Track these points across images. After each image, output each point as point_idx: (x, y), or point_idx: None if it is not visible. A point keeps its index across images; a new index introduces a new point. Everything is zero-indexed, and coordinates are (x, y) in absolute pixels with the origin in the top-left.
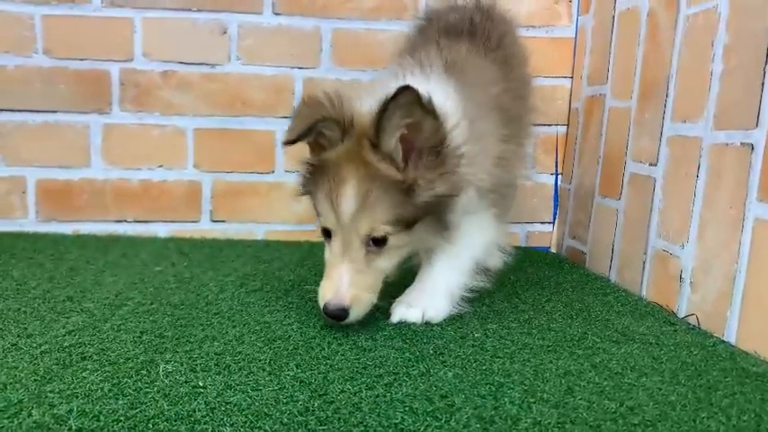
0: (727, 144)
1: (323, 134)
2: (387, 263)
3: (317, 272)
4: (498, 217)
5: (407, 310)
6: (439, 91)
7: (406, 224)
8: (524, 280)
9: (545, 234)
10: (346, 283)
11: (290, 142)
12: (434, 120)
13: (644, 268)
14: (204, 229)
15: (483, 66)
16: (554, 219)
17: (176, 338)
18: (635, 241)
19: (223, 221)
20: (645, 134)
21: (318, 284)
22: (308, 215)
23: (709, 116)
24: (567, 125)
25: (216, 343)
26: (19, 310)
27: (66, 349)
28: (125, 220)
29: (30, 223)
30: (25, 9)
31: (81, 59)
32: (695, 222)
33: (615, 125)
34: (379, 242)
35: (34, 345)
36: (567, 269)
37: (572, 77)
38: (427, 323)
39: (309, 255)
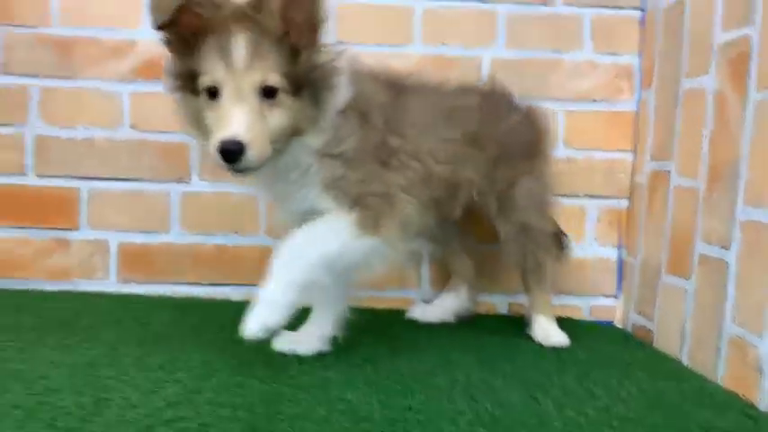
0: None
1: (194, 11)
2: (278, 120)
3: (394, 344)
4: (363, 226)
5: (248, 323)
6: None
7: (294, 85)
8: (594, 359)
9: (609, 308)
10: (242, 122)
11: (166, 24)
12: None
13: (719, 354)
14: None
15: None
16: (618, 293)
17: (269, 416)
18: (708, 325)
19: None
20: (715, 216)
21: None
22: (385, 280)
23: None
24: (630, 199)
25: (307, 423)
26: (117, 378)
27: (170, 423)
28: (200, 283)
29: (110, 284)
30: (115, 87)
31: (163, 132)
32: None
33: (682, 203)
34: (270, 93)
35: (139, 416)
36: (634, 347)
37: (634, 151)
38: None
39: (385, 323)
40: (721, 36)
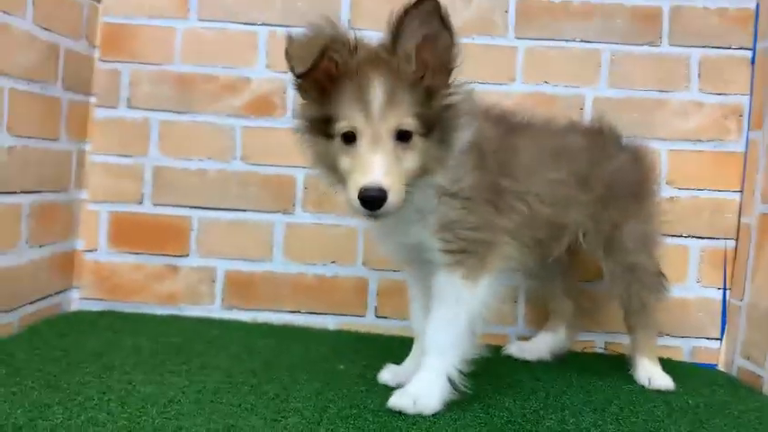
0: None
1: (331, 58)
2: (411, 163)
3: (498, 382)
4: (469, 279)
5: (400, 398)
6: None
7: (426, 126)
8: (703, 405)
9: (711, 350)
10: (382, 168)
11: (307, 71)
12: (450, 35)
13: None
14: (369, 323)
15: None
16: (722, 335)
17: None
18: None
19: (386, 317)
20: None
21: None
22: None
23: None
24: (737, 240)
25: None
26: (240, 406)
27: None
28: (299, 311)
29: (215, 309)
30: (228, 121)
31: (271, 165)
32: None
33: None
34: (405, 137)
35: None
36: (744, 394)
37: (741, 192)
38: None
39: (483, 358)
40: None
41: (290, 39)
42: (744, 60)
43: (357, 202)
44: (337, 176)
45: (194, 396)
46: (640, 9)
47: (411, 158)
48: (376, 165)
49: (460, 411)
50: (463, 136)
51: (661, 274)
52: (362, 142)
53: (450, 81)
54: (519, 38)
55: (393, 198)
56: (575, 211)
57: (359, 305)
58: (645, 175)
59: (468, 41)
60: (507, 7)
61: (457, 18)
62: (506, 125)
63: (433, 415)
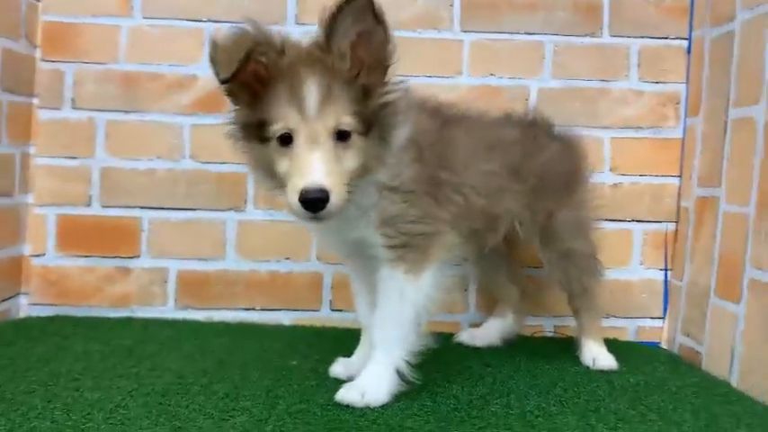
0: None
1: (258, 60)
2: (352, 162)
3: (448, 370)
4: (412, 273)
5: (348, 391)
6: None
7: (365, 124)
8: (644, 383)
9: (655, 329)
10: (322, 169)
11: (232, 76)
12: (384, 31)
13: None
14: (324, 317)
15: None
16: (664, 314)
17: None
18: (759, 349)
19: (341, 311)
20: (765, 242)
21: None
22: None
23: None
24: (677, 222)
25: None
26: (188, 407)
27: None
28: (253, 309)
29: (169, 310)
30: (176, 120)
31: (221, 163)
32: None
33: (731, 229)
34: (343, 136)
35: None
36: (683, 370)
37: (680, 176)
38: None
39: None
40: None
41: (213, 44)
42: (680, 50)
43: (298, 206)
44: (277, 181)
45: (142, 399)
46: (581, 1)
47: (351, 158)
48: (315, 166)
49: (408, 401)
50: (402, 133)
51: (596, 258)
52: (300, 143)
53: (386, 78)
54: (465, 31)
55: (335, 199)
56: (509, 201)
57: (314, 300)
58: (576, 163)
59: (413, 36)
60: (452, 1)
61: (403, 12)
62: (442, 118)
63: (381, 407)
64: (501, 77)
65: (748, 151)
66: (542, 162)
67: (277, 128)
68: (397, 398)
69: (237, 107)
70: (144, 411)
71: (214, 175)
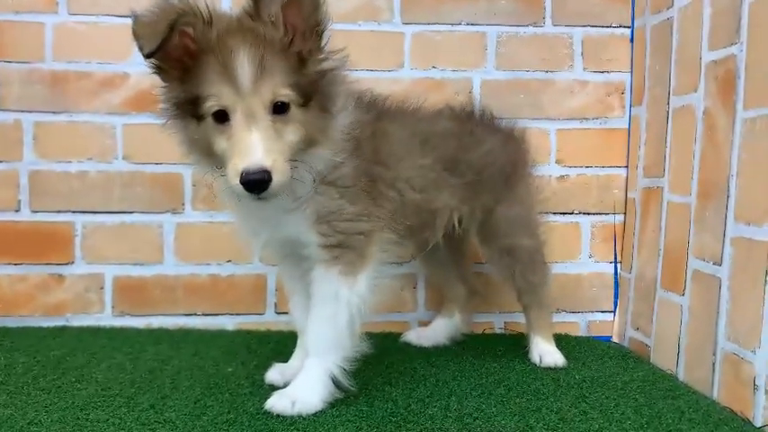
0: None
1: (184, 32)
2: (293, 135)
3: (390, 372)
4: (348, 275)
5: (278, 400)
6: None
7: (303, 95)
8: (590, 379)
9: (606, 323)
10: (262, 148)
11: (155, 51)
12: None
13: (714, 370)
14: (269, 321)
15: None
16: (615, 308)
17: None
18: (702, 340)
19: (286, 314)
20: (707, 232)
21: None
22: (380, 304)
23: None
24: (625, 214)
25: None
26: (107, 421)
27: None
28: (195, 314)
29: (106, 318)
30: (108, 119)
31: (156, 163)
32: (767, 328)
33: (674, 219)
34: (282, 109)
35: None
36: (632, 365)
37: (627, 167)
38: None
39: (381, 349)
40: (708, 54)
41: (135, 18)
42: (623, 38)
43: (240, 188)
44: (214, 160)
45: (58, 414)
46: None
47: (291, 132)
48: (254, 144)
49: (344, 407)
50: (343, 104)
51: (542, 254)
52: (236, 120)
53: (321, 44)
54: (406, 23)
55: (278, 178)
56: (445, 196)
57: (258, 303)
58: (517, 156)
59: (354, 28)
60: None
61: (342, 4)
62: (376, 111)
63: (313, 414)
64: (444, 70)
65: (689, 140)
66: (480, 155)
67: (211, 105)
68: (332, 404)
69: (167, 84)
70: (59, 427)
71: (149, 176)
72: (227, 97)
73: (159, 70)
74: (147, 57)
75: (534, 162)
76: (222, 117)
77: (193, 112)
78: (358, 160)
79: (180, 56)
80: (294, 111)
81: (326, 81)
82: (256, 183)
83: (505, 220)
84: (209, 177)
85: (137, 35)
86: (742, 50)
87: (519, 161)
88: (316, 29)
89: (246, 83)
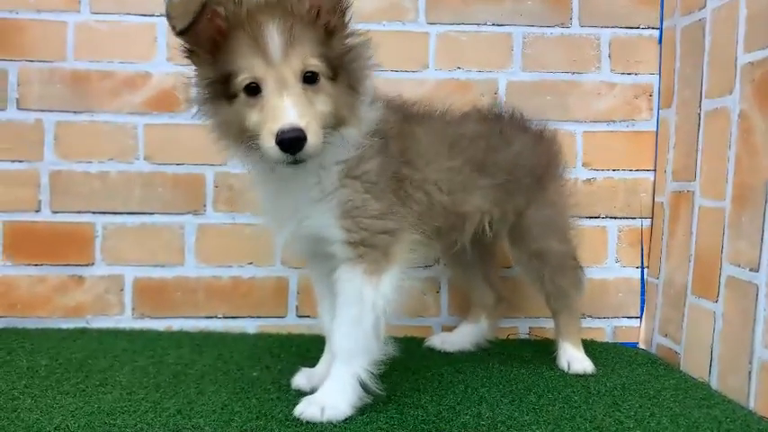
0: None
1: (215, 12)
2: (323, 105)
3: (417, 378)
4: (372, 274)
5: (307, 406)
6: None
7: (332, 68)
8: (621, 386)
9: (632, 329)
10: (295, 110)
11: (186, 29)
12: None
13: (750, 378)
14: (290, 324)
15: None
16: (641, 314)
17: None
18: (738, 348)
19: (308, 317)
20: (742, 238)
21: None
22: (408, 309)
23: None
24: (652, 218)
25: None
26: (135, 426)
27: None
28: (216, 316)
29: (126, 320)
30: (129, 119)
31: (177, 164)
32: None
33: (707, 224)
34: (312, 79)
35: None
36: (661, 372)
37: (655, 170)
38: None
39: (406, 354)
40: (744, 56)
41: None
42: (652, 40)
43: (275, 149)
44: (248, 139)
45: (85, 420)
46: None
47: (322, 101)
48: (288, 108)
49: (374, 413)
50: (369, 85)
51: (574, 259)
52: (269, 90)
53: (346, 21)
54: (430, 23)
55: (312, 139)
56: (476, 198)
57: (279, 306)
58: (548, 158)
59: (378, 28)
60: None
61: (366, 4)
62: (404, 113)
63: (344, 421)
64: (469, 71)
65: (722, 143)
66: (510, 156)
67: (243, 78)
68: (362, 410)
69: (199, 67)
70: None
71: (171, 177)
72: (259, 69)
73: (190, 53)
74: (179, 34)
75: (566, 164)
76: (254, 90)
77: (225, 91)
78: (385, 158)
79: (211, 35)
80: (324, 82)
81: (351, 57)
82: (292, 141)
83: (536, 222)
84: (230, 178)
85: (169, 14)
86: None
87: (550, 162)
88: (339, 4)
89: (277, 53)
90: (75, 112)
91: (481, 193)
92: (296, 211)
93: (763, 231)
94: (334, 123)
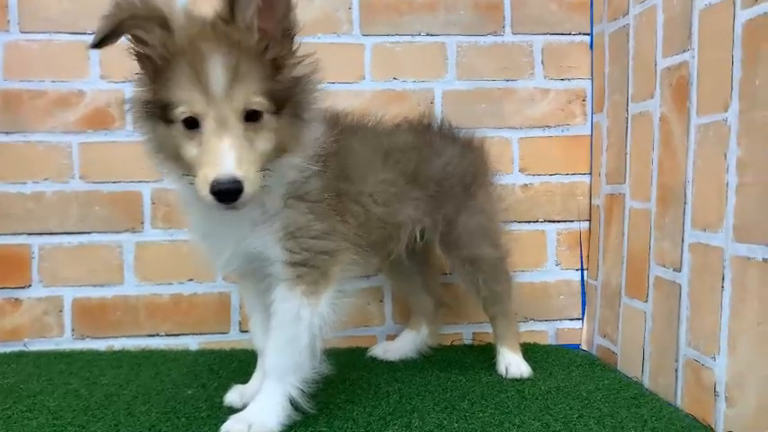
0: (749, 258)
1: (140, 38)
2: (265, 144)
3: (353, 389)
4: (311, 295)
5: (234, 424)
6: None
7: (276, 103)
8: (555, 389)
9: (574, 331)
10: (233, 157)
11: (96, 45)
12: None
13: (677, 376)
14: (234, 339)
15: None
16: (582, 316)
17: None
18: (665, 347)
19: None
20: (666, 238)
21: None
22: (352, 320)
23: (729, 227)
24: (590, 221)
25: None
26: None
27: None
28: (157, 334)
29: (66, 341)
30: (63, 138)
31: (114, 182)
32: (725, 334)
33: (636, 226)
34: (255, 117)
35: None
36: (598, 373)
37: (590, 174)
38: None
39: (346, 365)
40: (663, 61)
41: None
42: (583, 45)
43: (210, 198)
44: (183, 165)
45: None
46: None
47: (264, 140)
48: (226, 153)
49: (302, 428)
50: (315, 111)
51: (504, 262)
52: (207, 128)
53: (294, 50)
54: (365, 35)
55: (249, 188)
56: (408, 208)
57: (222, 322)
58: (476, 166)
59: (313, 40)
60: (351, 4)
61: (301, 16)
62: (340, 127)
63: None
64: (405, 81)
65: (647, 146)
66: (440, 166)
67: (181, 111)
68: (291, 426)
69: (139, 81)
70: None
71: (107, 196)
72: (199, 104)
73: (137, 56)
74: (90, 47)
75: (495, 171)
76: (192, 124)
77: (163, 114)
78: (326, 175)
79: (149, 58)
80: (266, 118)
81: (300, 88)
82: (227, 193)
83: (467, 230)
84: (168, 194)
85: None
86: (694, 57)
87: (479, 170)
88: (288, 33)
89: (219, 90)
90: (6, 132)
91: (414, 203)
92: (235, 233)
93: (683, 231)
94: (277, 153)
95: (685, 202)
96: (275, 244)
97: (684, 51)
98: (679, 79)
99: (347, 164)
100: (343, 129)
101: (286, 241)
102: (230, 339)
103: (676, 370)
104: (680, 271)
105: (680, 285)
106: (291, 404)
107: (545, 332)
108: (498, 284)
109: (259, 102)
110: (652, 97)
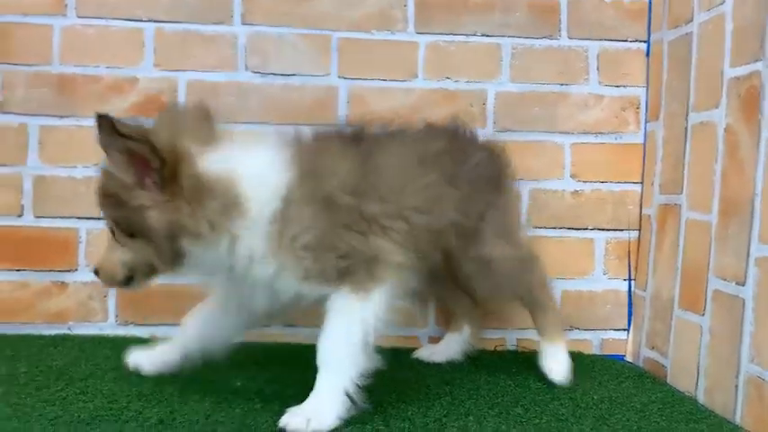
0: None
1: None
2: (125, 255)
3: (404, 389)
4: (359, 291)
5: (292, 417)
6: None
7: (126, 232)
8: (608, 400)
9: (620, 342)
10: (102, 255)
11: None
12: (139, 143)
13: (737, 393)
14: (276, 332)
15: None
16: (629, 326)
17: None
18: (725, 363)
19: (293, 325)
20: (729, 251)
21: None
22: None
23: None
24: (639, 231)
25: None
26: None
27: None
28: None
29: (109, 326)
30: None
31: None
32: None
33: (694, 237)
34: (112, 232)
35: None
36: (648, 385)
37: (642, 183)
38: None
39: (393, 365)
40: (731, 71)
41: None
42: (639, 53)
43: None
44: None
45: (65, 428)
46: (538, 2)
47: (124, 252)
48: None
49: (360, 425)
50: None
51: (531, 257)
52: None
53: (172, 187)
54: (419, 33)
55: (103, 276)
56: (450, 211)
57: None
58: (500, 170)
59: (366, 37)
60: (406, 2)
61: (354, 11)
62: (360, 144)
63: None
64: (458, 81)
65: (709, 157)
66: (471, 168)
67: None
68: (347, 422)
69: None
70: None
71: None
72: None
73: None
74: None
75: (515, 176)
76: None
77: None
78: (331, 215)
79: None
80: (119, 236)
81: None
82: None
83: (491, 226)
84: None
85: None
86: (767, 67)
87: (502, 173)
88: (160, 174)
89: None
90: (59, 116)
91: (454, 205)
92: (252, 291)
93: (749, 245)
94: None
95: (752, 215)
96: (299, 286)
97: (756, 61)
98: (749, 89)
99: (376, 182)
100: (365, 146)
101: (308, 281)
102: (274, 332)
103: (737, 386)
104: (744, 285)
105: (743, 300)
106: (348, 398)
107: (589, 341)
108: (526, 276)
109: (110, 223)
110: (717, 107)
